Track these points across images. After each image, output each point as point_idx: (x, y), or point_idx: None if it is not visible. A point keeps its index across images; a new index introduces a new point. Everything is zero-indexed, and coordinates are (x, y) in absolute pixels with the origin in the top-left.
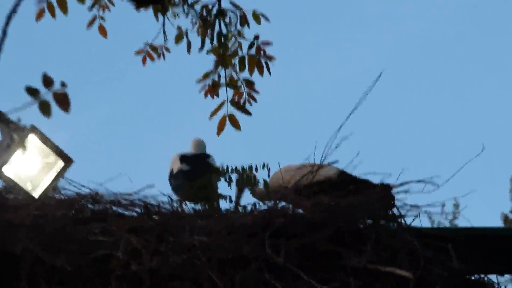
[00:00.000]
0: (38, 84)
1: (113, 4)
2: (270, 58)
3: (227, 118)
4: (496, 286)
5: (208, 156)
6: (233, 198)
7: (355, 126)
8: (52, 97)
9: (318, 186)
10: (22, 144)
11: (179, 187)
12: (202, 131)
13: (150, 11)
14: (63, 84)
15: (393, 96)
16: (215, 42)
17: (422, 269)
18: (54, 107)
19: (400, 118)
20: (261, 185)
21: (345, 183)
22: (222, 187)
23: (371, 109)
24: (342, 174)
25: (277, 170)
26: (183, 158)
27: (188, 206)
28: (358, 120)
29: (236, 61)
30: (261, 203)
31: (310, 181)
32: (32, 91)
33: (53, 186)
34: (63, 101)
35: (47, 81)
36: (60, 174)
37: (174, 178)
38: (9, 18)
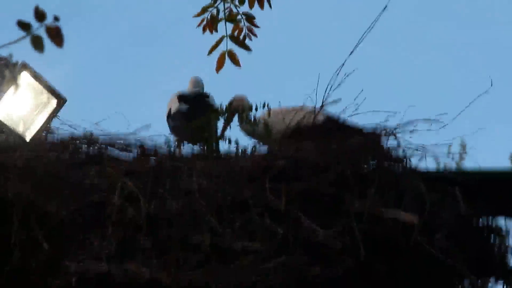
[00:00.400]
0: (30, 18)
1: None
2: None
3: (226, 54)
4: (504, 229)
5: (207, 95)
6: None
7: (359, 63)
8: (45, 31)
9: (304, 131)
10: (14, 81)
11: (178, 127)
12: (200, 68)
13: None
14: (56, 18)
15: (398, 31)
16: None
17: (428, 213)
18: (47, 42)
19: (405, 54)
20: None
21: (332, 129)
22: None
23: (375, 44)
24: (329, 120)
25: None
26: (182, 98)
27: (187, 148)
28: (361, 56)
29: None
30: (261, 146)
31: (296, 127)
32: (24, 25)
33: (46, 127)
34: (56, 35)
35: (40, 15)
36: (53, 113)
37: (173, 119)
38: None
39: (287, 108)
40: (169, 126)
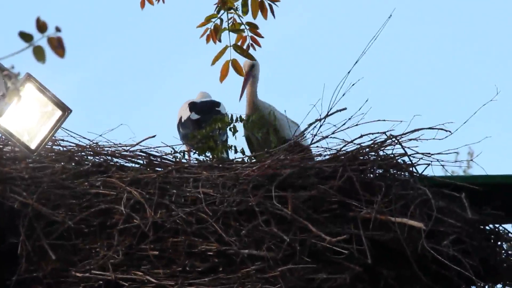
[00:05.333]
0: (32, 30)
1: None
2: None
3: (230, 64)
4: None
5: (218, 104)
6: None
7: (365, 72)
8: (47, 42)
9: None
10: (17, 93)
11: (188, 136)
12: (204, 79)
13: None
14: (58, 29)
15: (404, 39)
16: None
17: (435, 219)
18: (49, 53)
19: (411, 63)
20: None
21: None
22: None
23: (381, 53)
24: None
25: None
26: (193, 106)
27: (193, 157)
28: (367, 65)
29: (238, 3)
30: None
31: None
32: (25, 36)
33: (51, 137)
34: (58, 46)
35: (41, 26)
36: (58, 124)
37: (183, 127)
38: None
39: None
40: (179, 134)
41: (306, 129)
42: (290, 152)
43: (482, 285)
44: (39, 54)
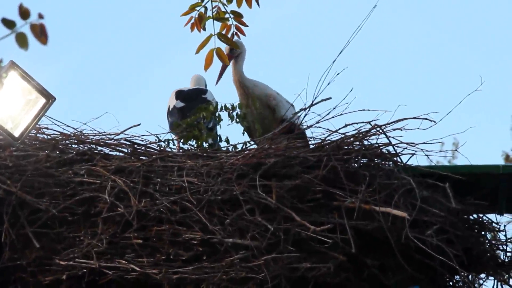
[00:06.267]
0: (14, 16)
1: None
2: None
3: (214, 52)
4: (496, 225)
5: (204, 91)
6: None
7: (350, 61)
8: (29, 29)
9: None
10: None
11: (174, 124)
12: (190, 67)
13: None
14: (41, 16)
15: (389, 29)
16: None
17: (419, 209)
18: (33, 41)
19: (396, 52)
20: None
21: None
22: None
23: (366, 43)
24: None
25: None
26: (179, 94)
27: (179, 145)
28: (352, 54)
29: None
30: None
31: None
32: (8, 23)
33: (35, 125)
34: (41, 33)
35: (24, 13)
36: (42, 112)
37: (170, 115)
38: None
39: None
40: (168, 123)
41: (291, 118)
42: (292, 137)
43: (465, 274)
44: (21, 41)
